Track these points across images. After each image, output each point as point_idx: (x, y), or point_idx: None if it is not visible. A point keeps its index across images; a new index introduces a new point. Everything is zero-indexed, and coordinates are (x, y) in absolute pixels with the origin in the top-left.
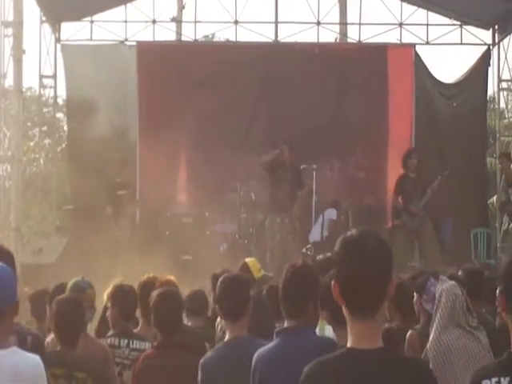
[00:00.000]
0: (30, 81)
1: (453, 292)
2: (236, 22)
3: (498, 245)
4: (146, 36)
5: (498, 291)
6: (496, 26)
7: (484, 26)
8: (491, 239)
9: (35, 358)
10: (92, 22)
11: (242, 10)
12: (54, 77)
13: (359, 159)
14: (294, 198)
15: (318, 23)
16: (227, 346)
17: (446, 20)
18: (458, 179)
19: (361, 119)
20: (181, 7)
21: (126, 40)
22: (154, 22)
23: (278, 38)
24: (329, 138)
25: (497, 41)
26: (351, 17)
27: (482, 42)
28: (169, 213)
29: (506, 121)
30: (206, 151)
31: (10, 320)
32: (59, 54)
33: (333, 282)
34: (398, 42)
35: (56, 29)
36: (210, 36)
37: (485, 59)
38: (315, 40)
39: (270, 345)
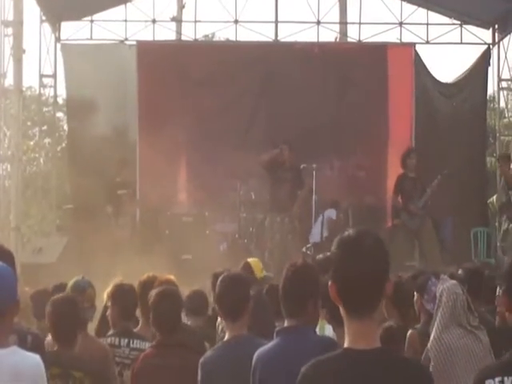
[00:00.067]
0: (29, 80)
1: (454, 291)
2: (236, 22)
3: (498, 244)
4: (146, 35)
5: (501, 291)
6: (496, 26)
7: (484, 25)
8: (491, 238)
9: (35, 358)
10: (92, 21)
11: (241, 9)
12: (54, 76)
13: (359, 158)
14: (294, 197)
15: (318, 23)
16: (227, 345)
17: (446, 19)
18: (458, 178)
19: (361, 118)
20: (181, 7)
21: (126, 39)
22: (153, 21)
23: (278, 38)
24: (329, 138)
25: (497, 40)
26: (351, 16)
27: (481, 42)
28: (169, 212)
29: (505, 120)
30: (205, 150)
31: (10, 320)
32: (59, 53)
33: (330, 282)
34: (398, 41)
35: (56, 28)
36: (210, 35)
37: (485, 58)
38: (315, 39)
39: (271, 344)
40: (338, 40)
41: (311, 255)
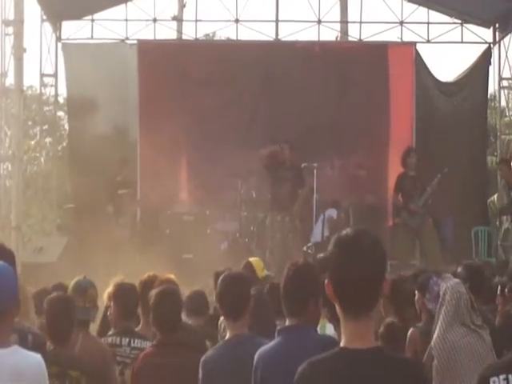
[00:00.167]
0: (30, 79)
1: (457, 290)
2: (237, 21)
3: (499, 243)
4: (147, 34)
5: (506, 290)
6: (497, 25)
7: (485, 24)
8: (492, 237)
9: (36, 357)
10: (93, 20)
11: (242, 8)
12: (55, 75)
13: (360, 158)
14: (295, 196)
15: (319, 22)
16: (228, 344)
17: (446, 18)
18: (459, 178)
19: (361, 117)
20: (181, 6)
21: (127, 38)
22: (154, 20)
23: (279, 37)
24: (329, 137)
25: (497, 39)
26: (352, 15)
27: (482, 41)
28: (169, 211)
29: (506, 119)
30: (206, 149)
31: (11, 319)
32: (60, 52)
33: (326, 281)
34: (399, 40)
35: (57, 27)
36: (211, 34)
37: (485, 57)
38: (316, 38)
39: (272, 343)
40: (338, 39)
41: (312, 254)
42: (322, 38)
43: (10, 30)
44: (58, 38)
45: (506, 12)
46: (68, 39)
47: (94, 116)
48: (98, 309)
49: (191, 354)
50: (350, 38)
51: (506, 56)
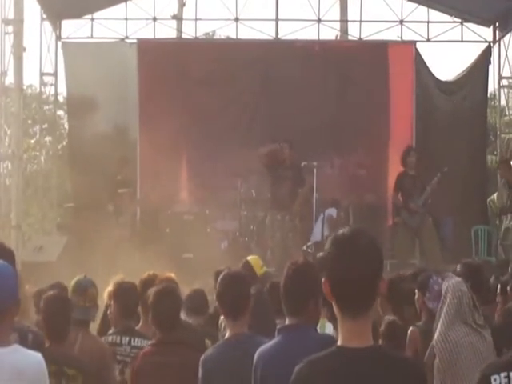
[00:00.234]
0: (30, 78)
1: (459, 288)
2: (236, 20)
3: (499, 242)
4: (147, 33)
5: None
6: (497, 24)
7: (485, 23)
8: (492, 237)
9: (37, 356)
10: (92, 19)
11: (242, 7)
12: (55, 74)
13: (360, 157)
14: (295, 195)
15: (319, 20)
16: (228, 343)
17: (446, 17)
18: (459, 177)
19: (361, 116)
20: (181, 5)
21: (127, 37)
22: (154, 19)
23: (279, 36)
24: (329, 136)
25: (497, 38)
26: (352, 14)
27: (482, 40)
28: (169, 211)
29: (506, 118)
30: (206, 149)
31: (11, 318)
32: (60, 51)
33: (323, 280)
34: (399, 39)
35: (56, 26)
36: (211, 33)
37: (485, 56)
38: (316, 37)
39: (272, 342)
40: (338, 38)
41: (312, 253)
42: (321, 37)
43: (10, 28)
44: (58, 37)
45: (506, 11)
46: (68, 38)
47: (93, 115)
48: (98, 308)
49: (191, 352)
50: (349, 37)
51: (506, 55)
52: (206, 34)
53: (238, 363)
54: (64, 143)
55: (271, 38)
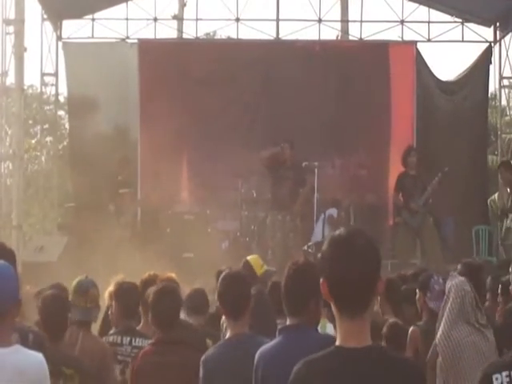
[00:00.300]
0: (31, 78)
1: (462, 288)
2: (237, 20)
3: (500, 242)
4: (148, 34)
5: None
6: (497, 24)
7: (485, 23)
8: (493, 236)
9: (38, 356)
10: (93, 19)
11: (243, 7)
12: (56, 74)
13: (361, 157)
14: (296, 195)
15: (320, 21)
16: (228, 343)
17: (447, 17)
18: (460, 177)
19: (362, 116)
20: (182, 5)
21: (128, 38)
22: (155, 19)
23: (280, 36)
24: (330, 136)
25: (498, 38)
26: (352, 14)
27: (483, 40)
28: (170, 211)
29: (507, 118)
30: (207, 149)
31: (12, 318)
32: (60, 51)
33: (321, 281)
34: (400, 39)
35: (57, 26)
36: (212, 34)
37: (486, 56)
38: (316, 37)
39: (273, 342)
40: (339, 38)
41: (313, 254)
42: (322, 37)
43: (11, 29)
44: (59, 37)
45: (507, 11)
46: (69, 38)
47: (94, 115)
48: (99, 308)
49: (191, 352)
50: (350, 37)
51: (507, 55)
52: (207, 34)
53: (239, 363)
54: (65, 143)
55: (272, 38)
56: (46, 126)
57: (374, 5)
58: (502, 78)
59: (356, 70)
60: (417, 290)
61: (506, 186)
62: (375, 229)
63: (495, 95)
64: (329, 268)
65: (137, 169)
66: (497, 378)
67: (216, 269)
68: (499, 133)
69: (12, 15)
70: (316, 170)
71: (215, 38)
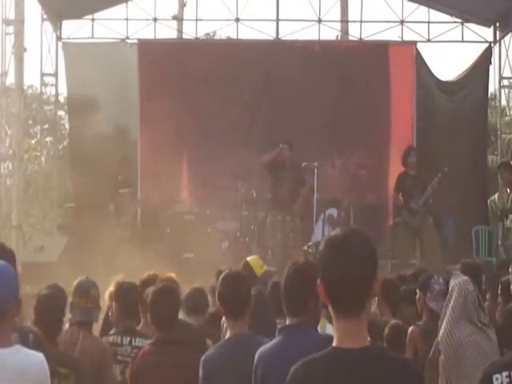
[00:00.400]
0: (31, 79)
1: (465, 287)
2: (237, 20)
3: (500, 242)
4: (147, 34)
5: None
6: (497, 24)
7: (485, 23)
8: (492, 237)
9: (39, 356)
10: (93, 19)
11: (243, 7)
12: (56, 75)
13: (361, 157)
14: (296, 195)
15: (319, 21)
16: (228, 343)
17: (447, 17)
18: (460, 177)
19: (362, 116)
20: (182, 5)
21: (127, 38)
22: (155, 19)
23: (279, 36)
24: (330, 136)
25: (498, 38)
26: (352, 14)
27: (483, 40)
28: (170, 211)
29: (507, 118)
30: (207, 149)
31: (12, 318)
32: (60, 51)
33: (318, 281)
34: (399, 39)
35: (57, 27)
36: (211, 34)
37: (486, 57)
38: (316, 38)
39: (272, 342)
40: (339, 38)
41: (313, 254)
42: (322, 38)
43: (11, 29)
44: (59, 38)
45: (507, 11)
46: (68, 38)
47: (94, 115)
48: (100, 309)
49: (190, 352)
50: (350, 38)
51: (507, 55)
52: (207, 34)
53: (239, 363)
54: (65, 143)
55: (272, 38)
56: (46, 126)
57: (374, 5)
58: (501, 78)
59: (356, 70)
60: (417, 290)
61: (506, 186)
62: (375, 229)
63: (495, 95)
64: (325, 269)
65: (137, 169)
66: (497, 379)
67: (216, 269)
68: (499, 133)
69: (12, 15)
70: (316, 170)
71: (215, 38)
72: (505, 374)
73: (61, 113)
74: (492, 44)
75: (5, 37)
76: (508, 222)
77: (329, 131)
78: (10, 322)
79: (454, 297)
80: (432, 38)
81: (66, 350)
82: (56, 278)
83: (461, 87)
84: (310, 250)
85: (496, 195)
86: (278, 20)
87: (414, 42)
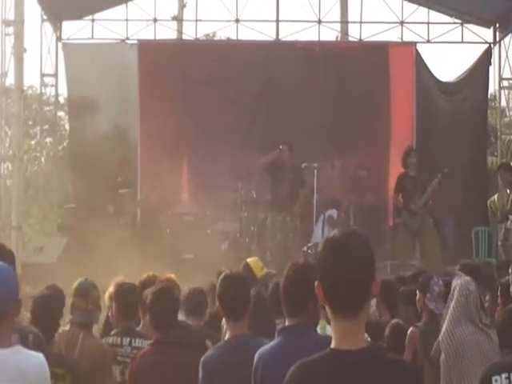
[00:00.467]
0: (31, 79)
1: (467, 287)
2: (237, 21)
3: (499, 243)
4: (147, 34)
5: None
6: (497, 25)
7: (485, 24)
8: (492, 238)
9: (39, 357)
10: (93, 20)
11: (243, 8)
12: (55, 75)
13: (360, 158)
14: (296, 196)
15: (319, 22)
16: (228, 344)
17: (447, 18)
18: (460, 178)
19: (362, 117)
20: (182, 6)
21: (127, 38)
22: (155, 20)
23: (279, 37)
24: (330, 137)
25: (498, 39)
26: (352, 15)
27: (482, 41)
28: (170, 211)
29: (507, 119)
30: (207, 150)
31: (12, 319)
32: (60, 52)
33: (316, 283)
34: (399, 40)
35: (57, 27)
36: (211, 34)
37: (486, 58)
38: (316, 38)
39: (272, 343)
40: (339, 39)
41: (312, 254)
42: (322, 38)
43: (11, 29)
44: (59, 38)
45: (507, 12)
46: (68, 39)
47: (94, 116)
48: (101, 310)
49: (189, 353)
50: (350, 38)
51: (507, 56)
52: (207, 35)
53: (239, 364)
54: (65, 144)
55: (272, 39)
56: (46, 126)
57: (374, 6)
58: (501, 79)
59: (356, 71)
60: (417, 291)
61: (506, 187)
62: (375, 230)
63: (495, 96)
64: (323, 270)
65: (137, 169)
66: (496, 380)
67: (216, 270)
68: (499, 134)
69: (12, 16)
70: (315, 171)
71: (215, 38)
72: (504, 375)
73: (61, 113)
74: (492, 45)
75: (5, 37)
76: (508, 223)
77: (329, 132)
78: (10, 323)
79: (455, 297)
80: (432, 39)
81: (66, 351)
82: (55, 279)
83: (461, 88)
84: (309, 251)
85: (496, 196)
86: (277, 21)
87: (414, 43)
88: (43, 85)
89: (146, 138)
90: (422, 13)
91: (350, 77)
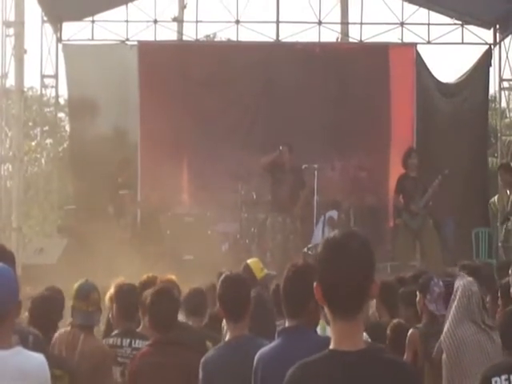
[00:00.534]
0: (31, 81)
1: (469, 288)
2: (237, 22)
3: (500, 244)
4: (148, 36)
5: None
6: (497, 26)
7: (485, 25)
8: (492, 239)
9: (40, 358)
10: (93, 21)
11: (243, 9)
12: (56, 76)
13: (361, 159)
14: (296, 197)
15: (320, 23)
16: (228, 345)
17: (447, 19)
18: (460, 179)
19: (362, 118)
20: (182, 7)
21: (128, 40)
22: (155, 21)
23: (280, 38)
24: (330, 138)
25: (498, 40)
26: (352, 16)
27: (483, 42)
28: (170, 212)
29: (507, 120)
30: (207, 151)
31: (12, 320)
32: (60, 53)
33: (315, 284)
34: (400, 41)
35: (57, 28)
36: (212, 36)
37: (486, 59)
38: (316, 40)
39: (272, 344)
40: (339, 40)
41: (312, 256)
42: (322, 39)
43: (11, 31)
44: (59, 39)
45: (507, 13)
46: (68, 40)
47: (94, 117)
48: (101, 312)
49: (189, 353)
50: (350, 39)
51: (507, 57)
52: (207, 36)
53: (239, 365)
54: (65, 145)
55: (272, 40)
56: (46, 128)
57: (374, 7)
58: (501, 80)
59: (356, 72)
60: (417, 292)
61: (506, 188)
62: (375, 231)
63: (495, 97)
64: (322, 271)
65: (137, 170)
66: (496, 381)
67: (216, 271)
68: (499, 135)
69: (12, 17)
70: (316, 173)
71: (215, 40)
72: (504, 377)
73: (61, 115)
74: (492, 46)
75: (5, 39)
76: (509, 224)
77: (329, 133)
78: (10, 324)
79: (457, 297)
80: (432, 40)
81: (67, 352)
82: (56, 280)
83: (461, 89)
84: (310, 252)
85: (496, 197)
86: (278, 22)
87: (414, 44)
88: (43, 86)
89: (146, 139)
90: (422, 14)
91: (350, 78)
